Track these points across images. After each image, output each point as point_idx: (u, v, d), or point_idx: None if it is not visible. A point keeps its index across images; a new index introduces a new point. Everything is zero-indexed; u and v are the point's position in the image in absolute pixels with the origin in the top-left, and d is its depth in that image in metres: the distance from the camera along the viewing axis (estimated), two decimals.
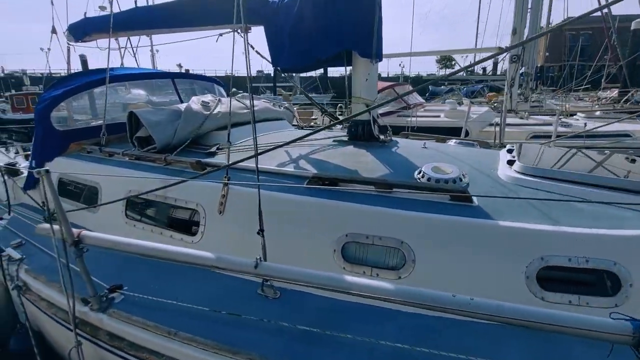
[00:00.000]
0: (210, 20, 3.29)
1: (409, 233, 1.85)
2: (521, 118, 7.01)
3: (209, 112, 3.26)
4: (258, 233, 1.91)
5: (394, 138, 3.16)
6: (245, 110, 3.64)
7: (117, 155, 3.21)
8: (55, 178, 3.50)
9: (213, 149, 2.97)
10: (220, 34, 3.71)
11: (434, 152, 2.80)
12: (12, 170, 3.97)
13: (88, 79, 3.94)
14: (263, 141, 3.25)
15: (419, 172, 2.18)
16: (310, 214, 2.07)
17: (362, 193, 2.06)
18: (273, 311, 1.86)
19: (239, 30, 3.55)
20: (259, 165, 2.28)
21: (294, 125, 4.72)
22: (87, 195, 3.27)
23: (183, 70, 53.71)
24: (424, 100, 10.66)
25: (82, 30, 4.81)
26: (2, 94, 32.76)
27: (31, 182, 3.72)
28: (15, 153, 7.17)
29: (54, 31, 5.60)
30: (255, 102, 3.91)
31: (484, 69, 24.87)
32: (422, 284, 1.81)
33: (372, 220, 1.93)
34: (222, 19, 3.27)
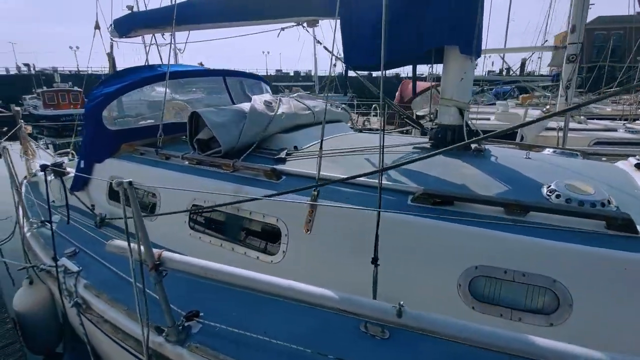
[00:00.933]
0: (276, 13, 2.97)
1: (564, 270, 1.48)
2: (579, 123, 6.48)
3: (273, 113, 2.95)
4: (373, 264, 1.58)
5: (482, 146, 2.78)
6: (308, 112, 3.32)
7: (175, 159, 2.93)
8: (106, 180, 3.26)
9: (282, 155, 2.65)
10: (282, 28, 3.40)
11: (543, 163, 2.41)
12: (58, 171, 3.76)
13: (140, 76, 3.69)
14: (330, 146, 2.92)
15: (551, 191, 1.81)
16: (425, 240, 1.73)
17: (485, 215, 1.70)
18: (383, 356, 1.53)
19: (304, 24, 3.23)
20: (335, 175, 1.96)
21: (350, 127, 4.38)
22: (142, 201, 3.01)
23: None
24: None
25: (127, 26, 4.59)
26: (33, 90, 33.59)
27: (79, 184, 3.49)
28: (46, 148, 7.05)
29: (97, 27, 5.38)
30: (315, 103, 3.58)
31: (508, 69, 23.95)
32: (581, 335, 1.44)
33: (511, 251, 1.56)
34: (290, 11, 2.95)
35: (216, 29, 3.74)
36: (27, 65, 42.26)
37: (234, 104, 3.98)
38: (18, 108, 4.76)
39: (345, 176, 1.98)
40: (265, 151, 2.84)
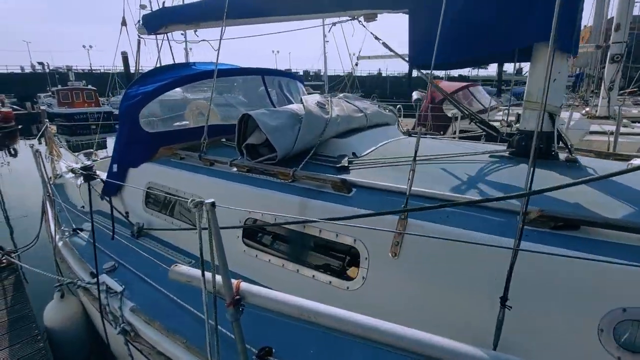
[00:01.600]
0: (337, 5, 2.69)
1: None
2: (625, 126, 6.11)
3: (328, 116, 2.67)
4: (502, 304, 1.29)
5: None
6: (360, 114, 3.03)
7: (220, 165, 2.67)
8: (143, 187, 3.01)
9: (344, 162, 2.36)
10: (334, 23, 3.12)
11: None
12: (88, 175, 3.52)
13: (179, 74, 3.43)
14: (392, 152, 2.63)
15: None
16: (555, 274, 1.43)
17: (623, 244, 1.40)
18: None
19: (360, 19, 2.94)
20: (413, 189, 1.68)
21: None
22: (181, 209, 2.75)
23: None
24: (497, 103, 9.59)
25: (158, 22, 4.33)
26: (48, 88, 33.76)
27: (111, 189, 3.25)
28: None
29: (123, 23, 5.16)
30: (365, 105, 3.29)
31: (520, 70, 23.44)
32: None
33: None
34: (354, 3, 2.67)
35: (257, 24, 3.47)
36: (41, 63, 42.60)
37: (272, 104, 3.71)
38: (44, 107, 4.59)
39: (454, 194, 1.71)
40: (321, 158, 2.56)
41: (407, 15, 2.50)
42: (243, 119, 2.52)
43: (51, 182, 4.69)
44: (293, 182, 2.23)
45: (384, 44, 2.79)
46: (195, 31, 4.28)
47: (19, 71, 41.79)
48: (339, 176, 2.09)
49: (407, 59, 2.62)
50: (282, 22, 3.13)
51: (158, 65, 6.21)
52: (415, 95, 21.87)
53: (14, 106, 26.99)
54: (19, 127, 23.99)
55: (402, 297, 1.69)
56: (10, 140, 20.24)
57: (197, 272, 1.42)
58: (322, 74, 50.09)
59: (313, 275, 1.94)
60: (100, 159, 5.77)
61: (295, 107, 2.73)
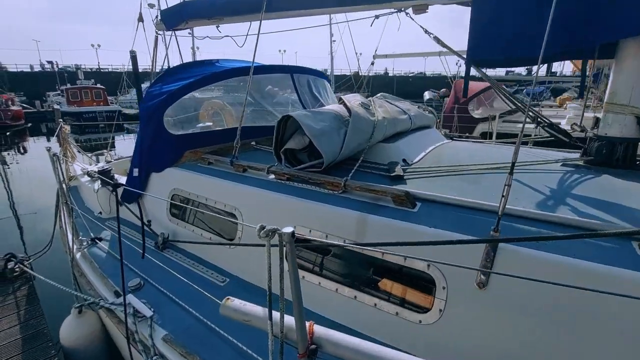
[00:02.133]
0: None
1: None
2: None
3: (374, 118, 2.40)
4: None
5: None
6: (405, 116, 2.76)
7: (254, 171, 2.41)
8: (167, 194, 2.76)
9: (398, 171, 2.09)
10: (377, 16, 2.85)
11: None
12: (107, 180, 3.29)
13: (204, 71, 3.17)
14: (441, 159, 2.36)
15: None
16: None
17: None
18: None
19: (408, 10, 2.67)
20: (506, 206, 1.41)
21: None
22: (211, 220, 2.50)
23: None
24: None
25: (178, 17, 4.09)
26: (57, 87, 33.78)
27: (133, 195, 3.00)
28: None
29: (140, 19, 4.92)
30: (407, 106, 3.02)
31: (530, 69, 22.97)
32: None
33: None
34: None
35: (292, 17, 3.21)
36: (50, 62, 42.66)
37: (302, 104, 3.45)
38: (57, 106, 4.33)
39: (546, 213, 1.44)
40: (370, 165, 2.29)
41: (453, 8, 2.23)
42: (282, 121, 2.25)
43: (66, 185, 4.47)
44: (343, 194, 1.96)
45: (436, 39, 2.51)
46: (217, 27, 4.02)
47: (28, 70, 41.90)
48: (399, 187, 1.82)
49: (452, 56, 2.35)
50: (323, 14, 2.86)
51: (166, 64, 5.98)
52: (427, 94, 21.58)
53: (24, 104, 26.96)
54: (29, 125, 23.97)
55: (490, 338, 1.42)
56: (20, 139, 20.18)
57: (258, 310, 1.16)
58: (328, 73, 49.95)
59: (375, 304, 1.67)
60: (115, 160, 5.55)
61: (336, 107, 2.46)
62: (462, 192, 1.77)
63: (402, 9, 2.62)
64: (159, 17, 4.55)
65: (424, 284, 1.57)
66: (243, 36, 4.03)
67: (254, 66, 3.15)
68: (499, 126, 5.97)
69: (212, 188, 2.45)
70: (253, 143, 3.00)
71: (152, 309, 1.97)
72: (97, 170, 3.36)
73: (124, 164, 5.56)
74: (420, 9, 2.56)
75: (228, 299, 1.25)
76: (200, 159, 2.77)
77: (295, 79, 3.47)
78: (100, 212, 3.47)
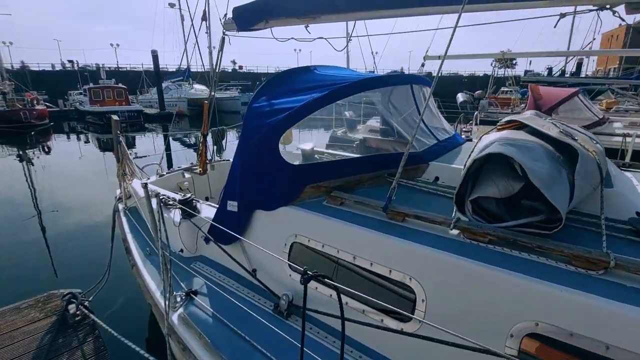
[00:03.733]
0: None
1: None
2: None
3: (595, 156, 1.72)
4: None
5: None
6: (597, 144, 2.07)
7: (416, 221, 1.76)
8: (282, 240, 2.13)
9: None
10: (562, 14, 2.16)
11: None
12: (188, 211, 2.67)
13: (307, 81, 2.53)
14: None
15: None
16: None
17: None
18: None
19: (618, 8, 1.98)
20: None
21: None
22: (361, 284, 1.85)
23: (237, 68, 53.47)
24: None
25: (257, 15, 3.46)
26: (78, 86, 33.68)
27: (229, 237, 2.35)
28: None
29: (204, 18, 4.31)
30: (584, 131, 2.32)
31: (563, 71, 21.82)
32: None
33: None
34: None
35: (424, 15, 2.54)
36: (71, 61, 42.71)
37: (426, 126, 2.78)
38: (116, 117, 3.72)
39: None
40: (596, 222, 1.63)
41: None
42: (477, 159, 1.60)
43: (124, 206, 3.88)
44: (605, 275, 1.30)
45: None
46: (307, 27, 3.37)
47: (50, 69, 41.99)
48: None
49: None
50: (480, 11, 2.19)
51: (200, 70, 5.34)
52: (460, 97, 20.64)
53: (47, 103, 26.83)
54: (51, 124, 23.77)
55: None
56: (44, 138, 19.94)
57: None
58: None
59: None
60: (167, 173, 4.96)
61: (527, 136, 1.79)
62: None
63: (608, 6, 1.93)
64: (228, 16, 3.93)
65: None
66: (336, 38, 3.38)
67: (377, 76, 2.49)
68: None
69: (360, 242, 1.80)
70: (387, 176, 2.35)
71: None
72: (177, 199, 2.75)
73: (176, 177, 4.98)
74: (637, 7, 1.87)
75: None
76: (329, 197, 2.12)
77: (415, 91, 2.80)
78: (182, 250, 2.86)
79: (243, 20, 3.64)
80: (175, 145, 16.55)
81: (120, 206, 3.91)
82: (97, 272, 3.79)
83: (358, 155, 2.43)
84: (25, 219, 7.04)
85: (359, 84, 2.29)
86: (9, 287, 4.52)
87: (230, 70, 50.28)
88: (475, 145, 2.29)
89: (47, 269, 5.06)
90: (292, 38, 3.44)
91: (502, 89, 26.28)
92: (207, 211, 2.82)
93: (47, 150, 16.58)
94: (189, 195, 2.78)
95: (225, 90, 33.93)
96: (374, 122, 4.38)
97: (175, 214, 2.84)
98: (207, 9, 4.37)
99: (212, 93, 4.59)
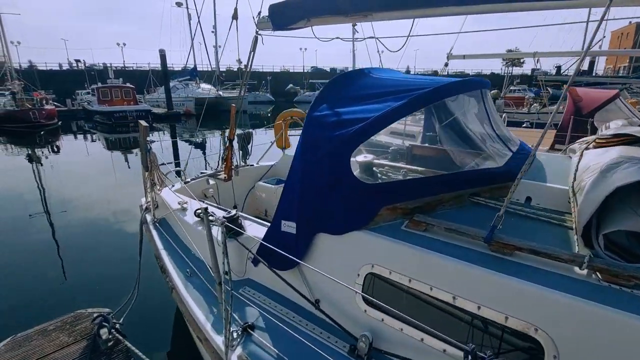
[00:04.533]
0: None
1: None
2: None
3: None
4: None
5: None
6: None
7: (520, 252, 1.47)
8: (354, 269, 1.85)
9: None
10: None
11: None
12: (234, 229, 2.39)
13: (380, 84, 2.24)
14: None
15: None
16: None
17: None
18: None
19: None
20: None
21: None
22: (465, 328, 1.56)
23: (241, 67, 53.07)
24: None
25: (298, 13, 3.17)
26: (86, 85, 33.49)
27: (286, 261, 2.07)
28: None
29: (235, 16, 4.02)
30: None
31: (581, 70, 21.18)
32: None
33: None
34: None
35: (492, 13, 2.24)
36: (78, 61, 42.57)
37: (497, 135, 2.49)
38: (145, 123, 3.44)
39: None
40: None
41: None
42: (620, 186, 1.31)
43: (153, 219, 3.61)
44: None
45: None
46: (354, 25, 3.08)
47: (57, 68, 41.86)
48: None
49: None
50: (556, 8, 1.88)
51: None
52: None
53: (56, 103, 26.66)
54: (59, 123, 23.58)
55: None
56: (53, 138, 19.75)
57: None
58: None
59: None
60: (191, 180, 4.69)
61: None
62: None
63: None
64: (263, 14, 3.64)
65: None
66: (391, 37, 3.09)
67: (451, 82, 2.19)
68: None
69: (462, 280, 1.52)
70: (470, 197, 2.05)
71: None
72: (223, 217, 2.47)
73: (201, 184, 4.72)
74: None
75: None
76: (410, 221, 1.83)
77: (484, 96, 2.50)
78: (226, 273, 2.58)
79: (281, 18, 3.35)
80: (182, 145, 16.32)
81: (148, 217, 3.64)
82: (119, 286, 3.52)
83: (442, 172, 2.13)
84: (34, 223, 6.80)
85: (441, 90, 2.00)
86: (24, 299, 4.26)
87: (235, 70, 49.97)
88: (578, 163, 2.00)
89: (59, 279, 4.79)
90: (338, 38, 3.14)
91: (510, 87, 25.84)
92: (253, 229, 2.55)
93: (56, 149, 16.38)
94: (233, 211, 2.50)
95: (232, 89, 33.69)
96: (415, 128, 4.08)
97: (219, 234, 2.57)
98: (214, 9, 4.08)
99: (242, 93, 4.31)
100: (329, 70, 53.75)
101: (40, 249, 5.69)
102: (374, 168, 2.35)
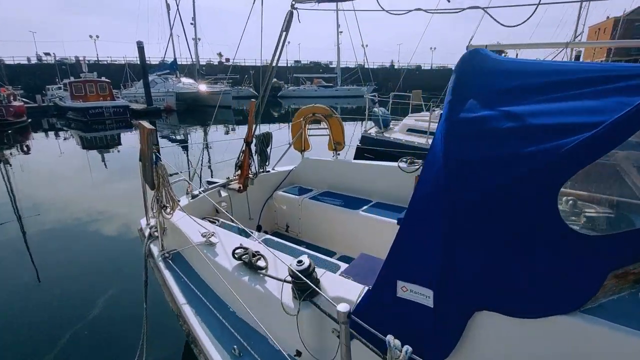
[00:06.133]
0: None
1: None
2: None
3: None
4: None
5: None
6: None
7: None
8: None
9: None
10: None
11: None
12: (310, 288, 1.53)
13: (534, 75, 1.41)
14: None
15: None
16: None
17: None
18: None
19: None
20: None
21: None
22: None
23: (223, 60, 50.89)
24: None
25: None
26: (57, 80, 31.01)
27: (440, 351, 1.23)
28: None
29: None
30: None
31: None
32: None
33: None
34: None
35: None
36: (47, 54, 39.52)
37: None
38: (150, 126, 2.48)
39: None
40: None
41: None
42: None
43: (163, 251, 2.67)
44: None
45: None
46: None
47: (26, 62, 38.71)
48: None
49: None
50: None
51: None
52: None
53: (24, 99, 24.42)
54: (29, 121, 21.51)
55: None
56: (22, 137, 17.90)
57: None
58: (334, 65, 47.36)
59: None
60: (202, 191, 3.73)
61: None
62: None
63: None
64: None
65: None
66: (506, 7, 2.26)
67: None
68: None
69: None
70: None
71: None
72: (294, 269, 1.59)
73: (212, 197, 3.77)
74: None
75: None
76: None
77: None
78: (299, 354, 1.70)
79: None
80: (164, 142, 15.00)
81: (155, 250, 2.70)
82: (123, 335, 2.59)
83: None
84: (4, 231, 5.64)
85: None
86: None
87: (216, 63, 47.93)
88: None
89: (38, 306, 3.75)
90: (419, 9, 2.25)
91: None
92: (327, 281, 1.69)
93: (26, 149, 14.73)
94: (306, 261, 1.61)
95: (214, 83, 32.06)
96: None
97: (279, 287, 1.70)
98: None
99: (267, 87, 3.38)
100: (311, 65, 52.45)
101: (9, 267, 4.57)
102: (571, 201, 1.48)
